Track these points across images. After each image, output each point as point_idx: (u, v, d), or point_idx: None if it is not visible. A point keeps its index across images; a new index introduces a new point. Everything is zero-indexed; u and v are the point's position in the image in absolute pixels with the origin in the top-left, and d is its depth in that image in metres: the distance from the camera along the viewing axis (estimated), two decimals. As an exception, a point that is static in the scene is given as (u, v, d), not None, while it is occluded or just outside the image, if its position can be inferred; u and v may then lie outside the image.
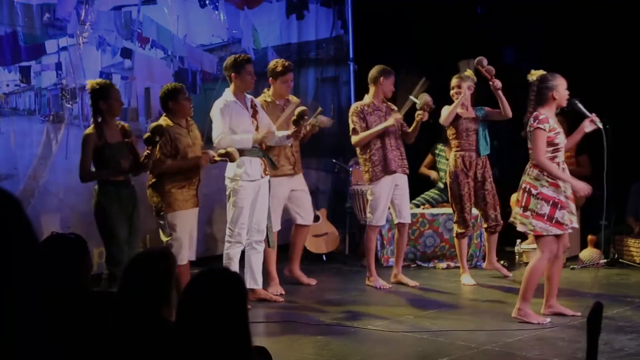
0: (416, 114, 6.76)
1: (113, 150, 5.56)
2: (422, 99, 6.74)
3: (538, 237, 5.47)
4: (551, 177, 5.38)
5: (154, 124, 5.84)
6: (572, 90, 5.58)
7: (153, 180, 5.92)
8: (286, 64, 6.71)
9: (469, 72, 6.90)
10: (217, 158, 6.00)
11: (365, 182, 7.01)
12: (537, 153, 5.37)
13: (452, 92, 6.96)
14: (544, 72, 5.53)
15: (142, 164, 5.72)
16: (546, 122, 5.37)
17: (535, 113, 5.42)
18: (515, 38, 8.29)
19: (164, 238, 5.96)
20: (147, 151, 5.69)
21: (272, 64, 6.80)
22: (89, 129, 5.67)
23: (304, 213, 7.03)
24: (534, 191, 5.40)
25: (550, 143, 5.39)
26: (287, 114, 6.58)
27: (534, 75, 5.55)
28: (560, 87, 5.44)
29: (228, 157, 5.95)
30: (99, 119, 5.59)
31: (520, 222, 5.51)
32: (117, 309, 2.84)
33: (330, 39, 9.29)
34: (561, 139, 5.45)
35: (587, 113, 5.67)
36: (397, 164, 6.83)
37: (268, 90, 6.82)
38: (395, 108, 6.92)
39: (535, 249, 7.31)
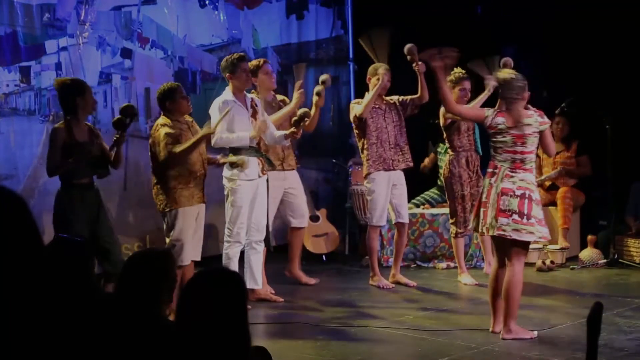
0: (413, 66, 6.68)
1: (81, 149, 5.48)
2: (405, 50, 6.65)
3: (524, 245, 5.06)
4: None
5: (124, 104, 5.80)
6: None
7: (157, 179, 5.86)
8: (262, 60, 6.75)
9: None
10: (223, 160, 6.02)
11: (363, 180, 7.00)
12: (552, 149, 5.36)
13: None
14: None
15: (113, 160, 5.68)
16: None
17: (539, 111, 5.13)
18: (515, 38, 8.28)
19: (167, 239, 5.92)
20: (116, 136, 5.61)
21: (250, 63, 6.71)
22: (59, 124, 5.62)
23: (298, 215, 6.97)
24: (534, 196, 4.99)
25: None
26: (286, 112, 6.58)
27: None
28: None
29: (240, 165, 5.97)
30: (68, 117, 5.54)
31: (527, 232, 4.96)
32: (115, 309, 2.84)
33: (330, 39, 9.28)
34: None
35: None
36: (397, 160, 6.83)
37: (254, 90, 6.73)
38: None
39: (536, 248, 7.35)
